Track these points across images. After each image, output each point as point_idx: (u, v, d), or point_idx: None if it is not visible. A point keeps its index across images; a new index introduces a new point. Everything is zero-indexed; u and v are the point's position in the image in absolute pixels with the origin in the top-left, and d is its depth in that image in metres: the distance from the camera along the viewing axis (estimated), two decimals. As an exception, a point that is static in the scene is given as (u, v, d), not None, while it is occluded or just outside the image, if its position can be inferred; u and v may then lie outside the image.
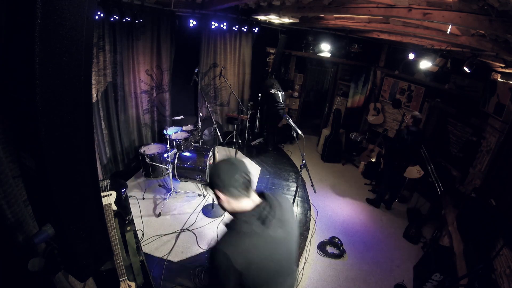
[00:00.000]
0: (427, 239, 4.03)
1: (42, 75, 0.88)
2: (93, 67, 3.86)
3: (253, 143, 6.55)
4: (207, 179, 1.41)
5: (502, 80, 3.72)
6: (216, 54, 5.87)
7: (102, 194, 2.38)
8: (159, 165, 4.30)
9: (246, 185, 1.33)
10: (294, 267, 1.56)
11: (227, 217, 1.37)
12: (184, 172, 4.58)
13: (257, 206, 1.34)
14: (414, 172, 4.91)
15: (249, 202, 1.34)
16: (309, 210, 4.41)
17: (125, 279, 2.38)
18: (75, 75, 1.00)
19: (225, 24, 5.00)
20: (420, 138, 4.24)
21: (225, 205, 1.35)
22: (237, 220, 1.30)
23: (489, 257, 2.74)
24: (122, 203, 2.79)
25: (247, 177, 1.34)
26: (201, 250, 3.39)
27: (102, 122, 4.29)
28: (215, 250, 1.24)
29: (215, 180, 1.32)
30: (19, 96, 0.98)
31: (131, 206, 3.37)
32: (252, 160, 5.83)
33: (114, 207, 2.42)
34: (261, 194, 1.43)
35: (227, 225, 1.34)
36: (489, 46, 2.76)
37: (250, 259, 1.24)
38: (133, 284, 2.45)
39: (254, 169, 5.49)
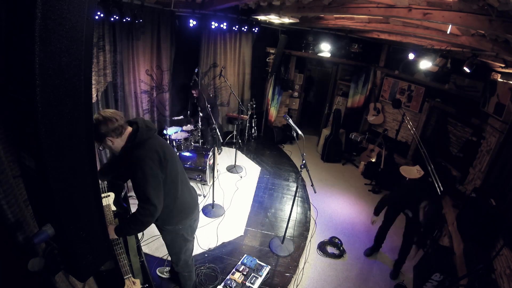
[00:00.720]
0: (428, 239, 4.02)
1: (42, 75, 0.88)
2: (93, 67, 3.86)
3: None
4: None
5: (502, 80, 3.72)
6: (216, 54, 5.87)
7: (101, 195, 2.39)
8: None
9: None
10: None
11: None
12: (184, 172, 4.59)
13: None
14: (414, 172, 4.90)
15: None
16: (309, 210, 4.41)
17: (130, 277, 2.39)
18: (75, 75, 1.00)
19: (225, 24, 5.00)
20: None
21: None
22: (135, 138, 1.82)
23: (489, 257, 2.74)
24: (121, 203, 2.80)
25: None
26: (201, 250, 3.39)
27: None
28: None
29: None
30: (19, 96, 0.98)
31: (131, 206, 3.38)
32: (252, 160, 5.83)
33: (113, 208, 2.43)
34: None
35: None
36: (489, 46, 2.76)
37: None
38: (137, 281, 2.45)
39: (254, 169, 5.49)
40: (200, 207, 4.16)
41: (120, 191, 3.02)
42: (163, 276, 3.00)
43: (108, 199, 2.43)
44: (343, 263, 3.56)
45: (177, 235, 2.20)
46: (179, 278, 2.59)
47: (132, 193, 4.34)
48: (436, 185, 4.18)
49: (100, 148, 1.92)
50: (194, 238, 2.40)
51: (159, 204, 1.88)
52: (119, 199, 2.59)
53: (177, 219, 2.12)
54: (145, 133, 1.88)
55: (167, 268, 3.02)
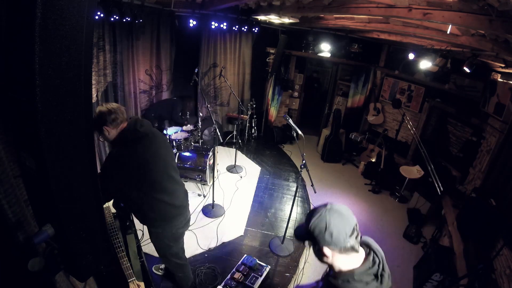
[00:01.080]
0: (427, 239, 4.03)
1: (42, 75, 0.88)
2: (93, 67, 3.86)
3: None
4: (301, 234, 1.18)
5: (502, 80, 3.72)
6: (216, 54, 5.87)
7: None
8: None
9: (357, 239, 1.11)
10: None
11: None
12: (184, 172, 4.58)
13: (367, 260, 1.12)
14: (414, 172, 4.91)
15: (358, 256, 1.13)
16: (309, 210, 4.40)
17: (134, 280, 2.38)
18: (75, 75, 1.00)
19: (225, 24, 5.00)
20: None
21: (329, 261, 1.14)
22: (348, 283, 1.09)
23: (489, 257, 2.74)
24: (120, 205, 2.79)
25: (357, 229, 1.11)
26: (201, 250, 3.39)
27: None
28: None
29: (323, 235, 1.08)
30: (19, 96, 0.98)
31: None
32: (252, 160, 5.83)
33: (113, 210, 2.43)
34: (366, 244, 1.21)
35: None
36: (489, 46, 2.76)
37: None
38: (142, 284, 2.45)
39: (254, 169, 5.49)
40: (200, 207, 4.16)
41: None
42: (158, 273, 3.01)
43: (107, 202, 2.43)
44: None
45: (158, 238, 2.26)
46: (174, 278, 2.60)
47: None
48: (436, 185, 4.19)
49: (101, 139, 2.01)
50: (180, 244, 2.41)
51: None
52: (118, 202, 2.59)
53: (156, 223, 2.18)
54: (130, 134, 1.92)
55: (162, 265, 3.03)
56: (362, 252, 1.16)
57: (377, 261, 1.12)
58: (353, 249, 1.09)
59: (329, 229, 1.07)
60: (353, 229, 1.08)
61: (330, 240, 1.07)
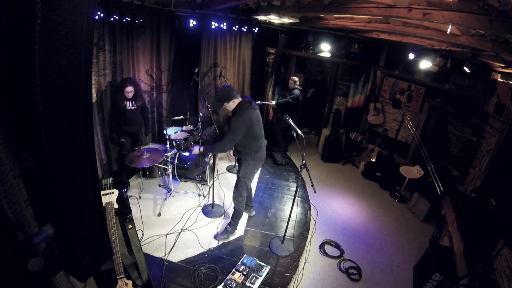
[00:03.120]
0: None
1: (42, 75, 0.88)
2: (93, 67, 3.86)
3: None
4: (216, 107, 3.05)
5: (502, 80, 3.72)
6: (217, 54, 5.87)
7: (105, 192, 2.39)
8: (158, 165, 4.30)
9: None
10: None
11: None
12: (184, 172, 4.59)
13: (246, 99, 3.08)
14: (414, 172, 4.91)
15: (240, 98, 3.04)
16: (309, 210, 4.41)
17: (123, 277, 2.39)
18: (75, 75, 1.00)
19: (225, 24, 5.00)
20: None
21: (232, 106, 3.00)
22: (239, 107, 3.00)
23: (489, 257, 2.74)
24: (124, 201, 2.80)
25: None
26: (202, 250, 3.39)
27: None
28: (239, 117, 2.96)
29: (228, 95, 2.97)
30: (19, 96, 0.98)
31: (131, 206, 3.38)
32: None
33: (116, 205, 2.43)
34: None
35: (233, 111, 3.04)
36: (489, 46, 2.76)
37: (251, 120, 2.99)
38: (130, 283, 2.45)
39: (254, 169, 5.49)
40: (200, 207, 4.16)
41: (125, 188, 3.02)
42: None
43: (112, 196, 2.42)
44: (343, 263, 3.56)
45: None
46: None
47: (133, 193, 4.35)
48: (436, 185, 4.19)
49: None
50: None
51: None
52: (122, 197, 2.59)
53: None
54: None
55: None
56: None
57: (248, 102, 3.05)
58: (238, 97, 3.01)
59: (227, 91, 3.01)
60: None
61: (231, 95, 2.99)
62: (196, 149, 3.24)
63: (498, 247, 2.64)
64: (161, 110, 5.46)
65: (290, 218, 3.53)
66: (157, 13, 4.54)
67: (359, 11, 3.02)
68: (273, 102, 6.19)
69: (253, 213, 4.12)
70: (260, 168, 5.51)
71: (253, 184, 4.96)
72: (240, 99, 3.03)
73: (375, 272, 3.47)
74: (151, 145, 4.76)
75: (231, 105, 2.99)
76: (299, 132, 3.08)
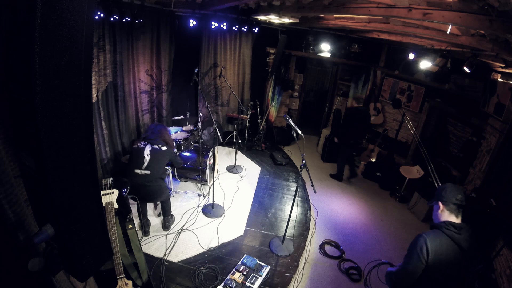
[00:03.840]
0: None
1: (42, 75, 0.88)
2: (93, 67, 3.86)
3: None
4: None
5: (502, 80, 3.72)
6: (217, 54, 5.87)
7: (105, 192, 2.38)
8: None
9: (459, 207, 1.77)
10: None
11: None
12: (184, 172, 4.59)
13: (458, 222, 1.79)
14: (414, 172, 4.91)
15: (454, 217, 1.79)
16: (309, 210, 4.41)
17: (123, 277, 2.39)
18: (75, 75, 1.00)
19: (225, 24, 5.00)
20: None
21: (437, 212, 1.84)
22: (442, 223, 1.77)
23: (489, 257, 2.74)
24: (124, 201, 2.79)
25: (463, 202, 1.77)
26: (202, 250, 3.39)
27: (103, 122, 4.29)
28: (420, 235, 1.75)
29: (443, 194, 1.79)
30: (19, 96, 0.98)
31: (131, 206, 3.38)
32: (252, 160, 5.83)
33: (116, 205, 2.42)
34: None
35: (433, 226, 1.85)
36: (489, 46, 2.76)
37: (435, 249, 1.68)
38: (130, 283, 2.45)
39: (254, 169, 5.49)
40: (200, 207, 4.16)
41: (125, 188, 3.01)
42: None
43: (112, 196, 2.41)
44: (343, 263, 3.56)
45: None
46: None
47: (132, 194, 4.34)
48: (436, 185, 4.19)
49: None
50: None
51: None
52: (122, 197, 2.58)
53: None
54: None
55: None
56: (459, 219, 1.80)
57: (464, 228, 1.76)
58: (455, 211, 1.78)
59: (447, 189, 1.80)
60: (461, 199, 1.76)
61: (445, 197, 1.79)
62: None
63: (498, 247, 2.64)
64: (161, 110, 5.46)
65: (290, 218, 3.53)
66: (157, 13, 4.54)
67: (359, 11, 3.02)
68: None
69: None
70: (260, 168, 5.56)
71: (253, 184, 4.97)
72: (450, 214, 1.85)
73: (375, 272, 3.47)
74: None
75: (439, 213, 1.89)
76: (299, 132, 3.08)
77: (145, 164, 3.24)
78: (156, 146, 3.33)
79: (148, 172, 3.26)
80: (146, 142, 3.34)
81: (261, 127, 6.61)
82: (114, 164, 4.73)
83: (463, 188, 3.99)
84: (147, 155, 3.27)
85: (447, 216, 1.79)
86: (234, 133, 6.00)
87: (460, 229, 1.74)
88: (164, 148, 3.37)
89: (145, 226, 3.58)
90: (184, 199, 4.32)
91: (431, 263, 1.68)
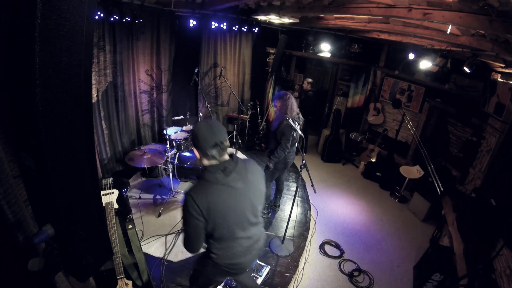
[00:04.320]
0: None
1: (42, 75, 0.88)
2: (93, 67, 3.86)
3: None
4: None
5: (502, 80, 3.72)
6: (217, 54, 5.87)
7: (105, 192, 2.38)
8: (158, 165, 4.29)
9: (219, 151, 1.59)
10: (258, 220, 1.87)
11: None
12: (184, 172, 4.58)
13: (223, 162, 1.62)
14: (414, 172, 4.91)
15: (217, 161, 1.62)
16: (309, 210, 4.41)
17: (123, 277, 2.39)
18: (75, 75, 1.00)
19: (225, 24, 5.00)
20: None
21: (198, 159, 1.67)
22: (205, 171, 1.61)
23: (489, 257, 2.74)
24: (124, 201, 2.79)
25: (221, 145, 1.58)
26: (201, 250, 3.38)
27: (103, 122, 4.29)
28: (185, 194, 1.61)
29: (194, 140, 1.60)
30: (19, 96, 0.98)
31: (131, 206, 3.38)
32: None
33: (116, 206, 2.43)
34: (231, 155, 1.70)
35: (197, 176, 1.81)
36: (489, 46, 2.76)
37: (210, 202, 1.56)
38: (130, 283, 2.45)
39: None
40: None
41: (125, 188, 3.01)
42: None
43: (112, 196, 2.41)
44: (343, 263, 3.56)
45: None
46: None
47: (133, 193, 4.34)
48: (436, 185, 4.19)
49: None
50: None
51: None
52: (122, 197, 2.58)
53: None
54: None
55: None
56: (225, 158, 1.65)
57: (231, 165, 1.63)
58: (213, 157, 1.59)
59: (196, 135, 1.58)
60: (216, 143, 1.55)
61: (197, 144, 1.58)
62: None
63: (498, 247, 2.64)
64: (161, 110, 5.46)
65: (290, 218, 3.53)
66: (157, 13, 4.54)
67: (359, 11, 3.02)
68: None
69: (268, 215, 4.15)
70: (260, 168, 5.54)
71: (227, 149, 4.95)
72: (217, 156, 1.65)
73: (375, 272, 3.47)
74: (151, 146, 4.77)
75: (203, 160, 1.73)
76: (299, 132, 3.08)
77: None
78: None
79: None
80: None
81: (261, 127, 6.60)
82: (114, 164, 4.73)
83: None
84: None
85: (207, 162, 1.63)
86: (234, 133, 6.00)
87: (225, 169, 1.60)
88: None
89: None
90: (184, 199, 4.32)
91: (209, 217, 1.60)
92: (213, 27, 4.94)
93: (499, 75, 3.85)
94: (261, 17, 5.34)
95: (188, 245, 1.77)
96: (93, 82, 3.89)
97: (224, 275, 2.09)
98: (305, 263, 3.46)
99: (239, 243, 1.81)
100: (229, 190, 1.62)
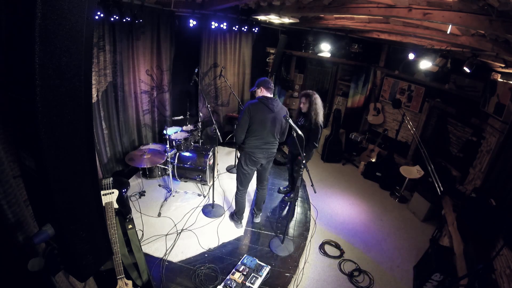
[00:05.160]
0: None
1: (42, 75, 0.88)
2: (93, 67, 3.86)
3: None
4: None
5: (502, 80, 3.72)
6: (217, 54, 5.87)
7: (105, 192, 2.38)
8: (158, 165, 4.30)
9: (272, 90, 3.25)
10: (275, 139, 3.32)
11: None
12: (184, 172, 4.58)
13: (271, 97, 3.20)
14: (414, 172, 4.91)
15: (268, 94, 3.21)
16: (309, 210, 4.41)
17: (123, 277, 2.39)
18: (75, 75, 1.00)
19: (225, 24, 5.00)
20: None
21: (257, 93, 3.25)
22: (260, 97, 3.18)
23: (489, 257, 2.74)
24: (124, 201, 2.79)
25: (272, 86, 3.24)
26: (202, 250, 3.39)
27: (103, 122, 4.29)
28: (247, 103, 3.13)
29: (260, 83, 3.23)
30: (19, 96, 0.98)
31: (131, 206, 3.38)
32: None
33: (116, 206, 2.43)
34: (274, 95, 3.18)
35: (257, 98, 3.20)
36: (489, 46, 2.76)
37: (256, 111, 3.08)
38: (130, 283, 2.45)
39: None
40: (200, 207, 4.16)
41: (125, 188, 3.01)
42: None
43: (112, 196, 2.41)
44: (343, 264, 3.56)
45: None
46: None
47: (133, 193, 4.34)
48: (436, 185, 4.19)
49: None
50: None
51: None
52: (122, 197, 2.58)
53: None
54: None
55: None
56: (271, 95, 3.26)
57: (275, 101, 3.21)
58: (268, 91, 3.25)
59: (264, 81, 3.26)
60: (271, 87, 3.25)
61: (261, 85, 3.25)
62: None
63: (498, 247, 2.64)
64: (162, 110, 5.46)
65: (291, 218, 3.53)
66: (157, 13, 4.54)
67: (359, 11, 3.02)
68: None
69: (258, 219, 3.97)
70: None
71: (254, 184, 4.96)
72: (266, 93, 3.20)
73: (375, 272, 3.47)
74: (151, 145, 4.77)
75: (258, 92, 3.25)
76: (299, 132, 3.08)
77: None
78: None
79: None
80: None
81: None
82: (114, 164, 4.73)
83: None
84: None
85: (264, 93, 3.19)
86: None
87: (269, 99, 3.14)
88: None
89: None
90: (184, 199, 4.32)
91: (253, 119, 3.08)
92: (213, 27, 4.94)
93: (499, 75, 3.85)
94: (261, 17, 5.34)
95: (237, 133, 3.19)
96: (93, 82, 3.89)
97: (248, 162, 3.33)
98: (305, 263, 3.46)
99: (260, 142, 3.21)
100: (268, 109, 3.10)
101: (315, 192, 3.13)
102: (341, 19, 4.21)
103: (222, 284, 2.91)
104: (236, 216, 3.81)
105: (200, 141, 5.43)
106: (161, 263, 3.15)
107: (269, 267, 3.18)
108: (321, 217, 4.40)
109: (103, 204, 2.33)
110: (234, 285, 2.89)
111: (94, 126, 3.85)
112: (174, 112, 5.59)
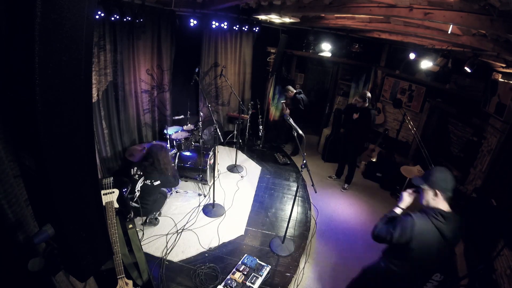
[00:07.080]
0: None
1: (42, 75, 0.88)
2: (94, 67, 3.86)
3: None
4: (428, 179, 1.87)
5: (503, 80, 3.71)
6: (217, 53, 5.87)
7: (105, 191, 2.38)
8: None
9: (451, 196, 1.81)
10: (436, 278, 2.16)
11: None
12: (184, 172, 4.58)
13: (448, 211, 1.80)
14: (414, 172, 4.90)
15: (445, 205, 1.82)
16: (310, 210, 4.41)
17: (123, 277, 2.39)
18: (75, 75, 1.00)
19: (225, 23, 4.99)
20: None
21: (429, 198, 1.84)
22: (432, 211, 1.80)
23: (489, 257, 2.74)
24: (124, 201, 2.79)
25: (451, 194, 1.81)
26: (202, 250, 3.39)
27: (103, 122, 4.29)
28: (410, 218, 1.81)
29: (442, 183, 1.79)
30: (19, 96, 0.98)
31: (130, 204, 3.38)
32: (253, 160, 5.83)
33: (116, 205, 2.43)
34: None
35: (423, 211, 1.85)
36: (490, 46, 2.75)
37: (419, 235, 1.76)
38: (130, 282, 2.45)
39: (254, 169, 5.49)
40: (201, 207, 4.16)
41: (125, 188, 3.01)
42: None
43: (112, 196, 2.41)
44: (343, 263, 3.55)
45: None
46: None
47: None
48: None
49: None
50: None
51: None
52: (123, 196, 2.58)
53: None
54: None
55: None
56: (448, 207, 1.82)
57: (451, 217, 1.79)
58: (447, 199, 1.80)
59: (444, 177, 1.81)
60: (452, 188, 1.79)
61: (443, 185, 1.78)
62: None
63: (498, 248, 2.63)
64: (163, 110, 5.46)
65: (291, 218, 3.53)
66: (157, 12, 4.53)
67: (360, 10, 3.02)
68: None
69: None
70: (260, 168, 5.56)
71: (254, 184, 4.97)
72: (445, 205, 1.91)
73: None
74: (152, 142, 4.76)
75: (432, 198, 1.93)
76: (300, 132, 3.08)
77: (135, 198, 3.34)
78: (148, 182, 3.39)
79: (137, 205, 3.36)
80: (141, 174, 3.39)
81: (261, 127, 6.60)
82: (114, 164, 4.73)
83: (464, 188, 3.99)
84: (137, 190, 3.36)
85: (440, 203, 1.81)
86: (235, 132, 6.00)
87: (448, 219, 1.77)
88: (157, 182, 3.43)
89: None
90: (185, 198, 4.32)
91: (413, 246, 1.80)
92: (213, 26, 4.93)
93: (500, 75, 3.84)
94: (262, 17, 5.34)
95: (381, 236, 2.06)
96: (93, 81, 3.89)
97: None
98: (305, 263, 3.46)
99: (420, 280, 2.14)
100: (437, 235, 1.79)
101: (315, 192, 3.14)
102: (342, 18, 4.21)
103: (223, 283, 2.91)
104: None
105: (201, 140, 5.43)
106: (162, 263, 3.15)
107: (270, 266, 3.18)
108: (322, 217, 4.39)
109: (103, 204, 2.33)
110: (235, 284, 2.89)
111: (94, 126, 3.86)
112: (174, 112, 5.59)
